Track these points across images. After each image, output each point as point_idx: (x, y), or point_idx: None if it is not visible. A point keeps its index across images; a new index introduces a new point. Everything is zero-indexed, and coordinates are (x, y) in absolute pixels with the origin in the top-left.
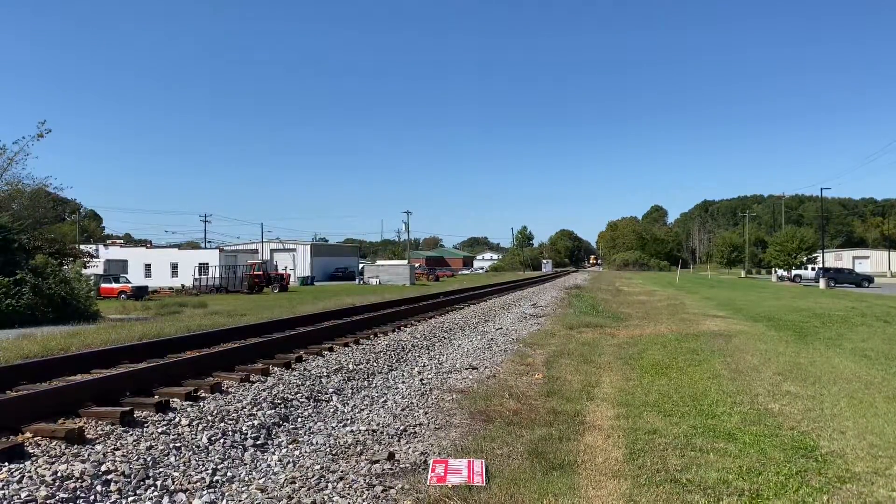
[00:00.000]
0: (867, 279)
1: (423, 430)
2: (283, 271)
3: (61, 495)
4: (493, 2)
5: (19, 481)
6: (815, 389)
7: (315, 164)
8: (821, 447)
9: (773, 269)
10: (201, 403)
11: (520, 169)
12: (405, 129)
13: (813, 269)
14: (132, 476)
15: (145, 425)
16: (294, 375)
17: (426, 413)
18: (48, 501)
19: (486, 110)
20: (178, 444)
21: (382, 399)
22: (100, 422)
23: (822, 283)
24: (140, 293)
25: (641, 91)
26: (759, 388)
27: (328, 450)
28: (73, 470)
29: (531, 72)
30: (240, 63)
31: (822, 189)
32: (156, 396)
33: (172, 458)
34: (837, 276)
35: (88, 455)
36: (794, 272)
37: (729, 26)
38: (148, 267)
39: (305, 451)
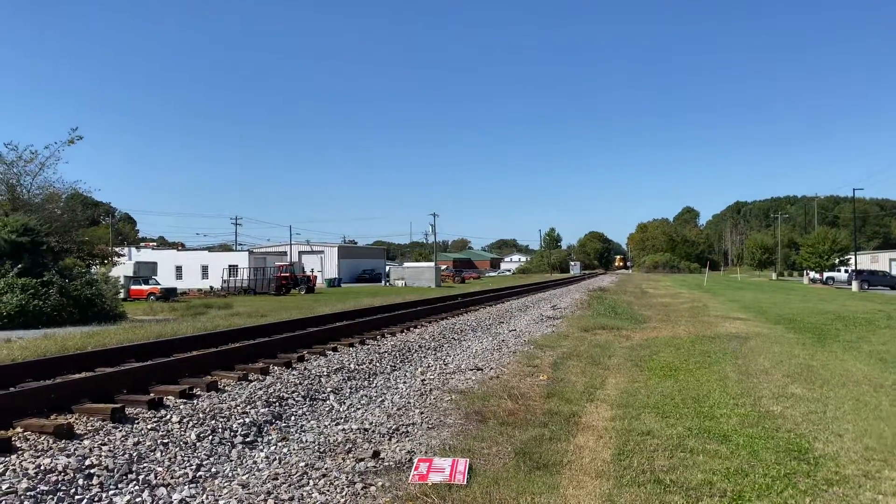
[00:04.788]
0: None
1: (415, 430)
2: (310, 273)
3: (42, 488)
4: None
5: (2, 474)
6: (822, 392)
7: (345, 167)
8: (815, 449)
9: (805, 272)
10: (195, 401)
11: (549, 170)
12: (434, 131)
13: (846, 271)
14: (115, 470)
15: (136, 422)
16: (293, 375)
17: (421, 413)
18: (28, 493)
19: (515, 110)
20: (165, 441)
21: (380, 399)
22: (91, 418)
23: (854, 286)
24: (168, 294)
25: (674, 91)
26: (764, 390)
27: (316, 448)
28: (56, 464)
29: (560, 70)
30: (269, 66)
31: (854, 190)
32: (150, 394)
33: (158, 454)
34: (871, 279)
35: (74, 450)
36: (826, 274)
37: (766, 24)
38: (179, 269)
39: (293, 449)
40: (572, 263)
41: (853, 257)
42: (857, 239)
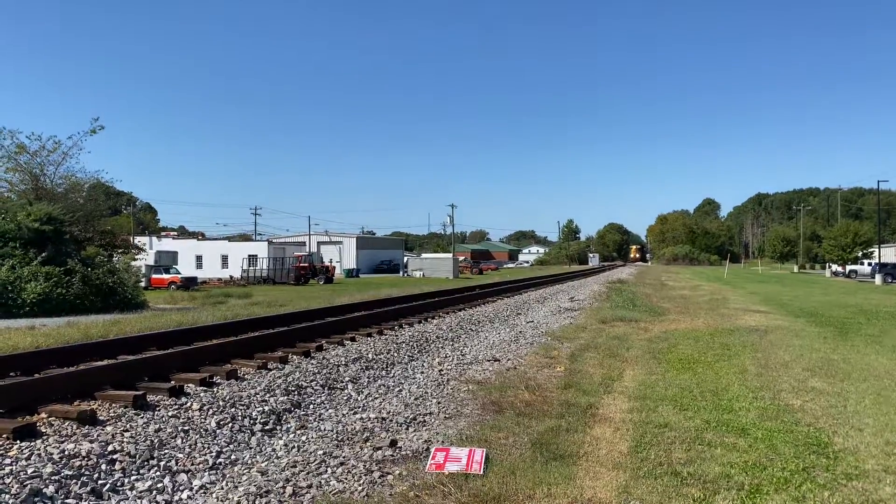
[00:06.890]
0: None
1: (433, 420)
2: (329, 263)
3: (66, 472)
4: None
5: (27, 458)
6: (843, 386)
7: (364, 158)
8: (834, 444)
9: (827, 265)
10: (215, 389)
11: (568, 162)
12: (453, 122)
13: (869, 264)
14: (137, 456)
15: (157, 409)
16: (312, 364)
17: (439, 403)
18: (53, 478)
19: (535, 102)
20: (186, 428)
21: (398, 388)
22: (113, 405)
23: (877, 279)
24: (189, 284)
25: (693, 81)
26: (784, 384)
27: (335, 436)
28: (80, 449)
29: (581, 63)
30: (287, 58)
31: (878, 181)
32: (171, 381)
33: (179, 441)
34: (895, 272)
35: (97, 435)
36: (848, 267)
37: (787, 13)
38: (199, 258)
39: (312, 437)
40: (591, 255)
41: (877, 250)
42: (880, 231)
